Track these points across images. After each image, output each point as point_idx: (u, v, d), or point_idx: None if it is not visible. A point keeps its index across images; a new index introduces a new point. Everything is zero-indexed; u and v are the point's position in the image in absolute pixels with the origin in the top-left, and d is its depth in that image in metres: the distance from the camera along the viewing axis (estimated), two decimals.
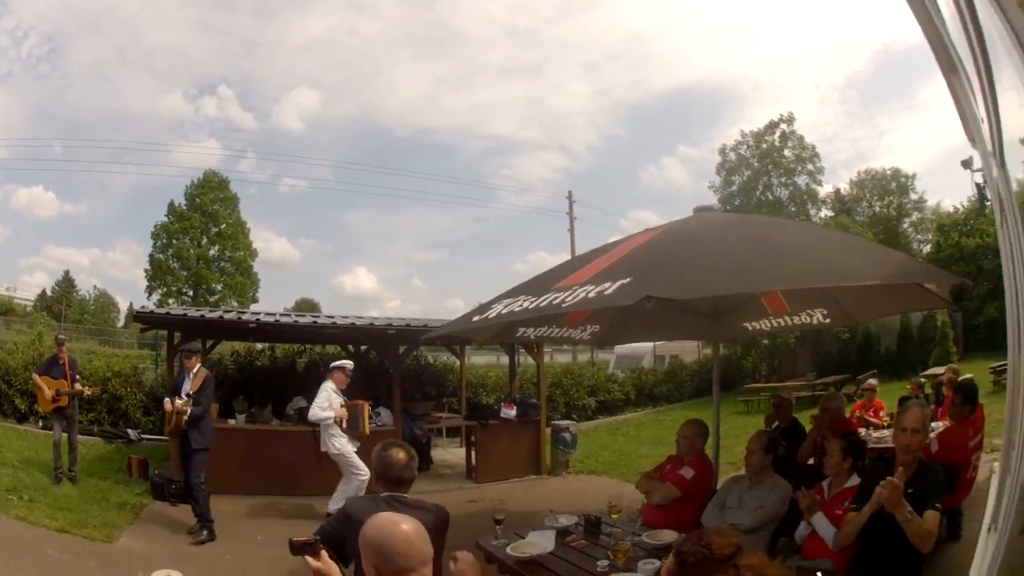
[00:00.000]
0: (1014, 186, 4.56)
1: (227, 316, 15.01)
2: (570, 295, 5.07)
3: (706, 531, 3.09)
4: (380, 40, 67.89)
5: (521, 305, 5.59)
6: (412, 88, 69.22)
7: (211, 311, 16.93)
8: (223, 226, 44.81)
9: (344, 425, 11.02)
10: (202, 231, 44.33)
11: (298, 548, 3.26)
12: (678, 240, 6.05)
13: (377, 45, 69.20)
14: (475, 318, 6.36)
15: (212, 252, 44.78)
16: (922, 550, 4.59)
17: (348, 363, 11.55)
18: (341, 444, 10.90)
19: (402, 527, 3.00)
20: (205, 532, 9.77)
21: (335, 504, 10.35)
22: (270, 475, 12.36)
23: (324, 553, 3.25)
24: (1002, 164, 4.71)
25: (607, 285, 4.79)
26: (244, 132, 61.09)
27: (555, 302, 5.16)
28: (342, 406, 11.10)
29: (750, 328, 9.11)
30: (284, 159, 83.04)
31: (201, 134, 61.10)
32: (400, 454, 4.75)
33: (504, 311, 5.77)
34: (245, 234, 45.87)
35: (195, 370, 10.17)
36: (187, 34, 66.11)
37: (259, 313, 16.54)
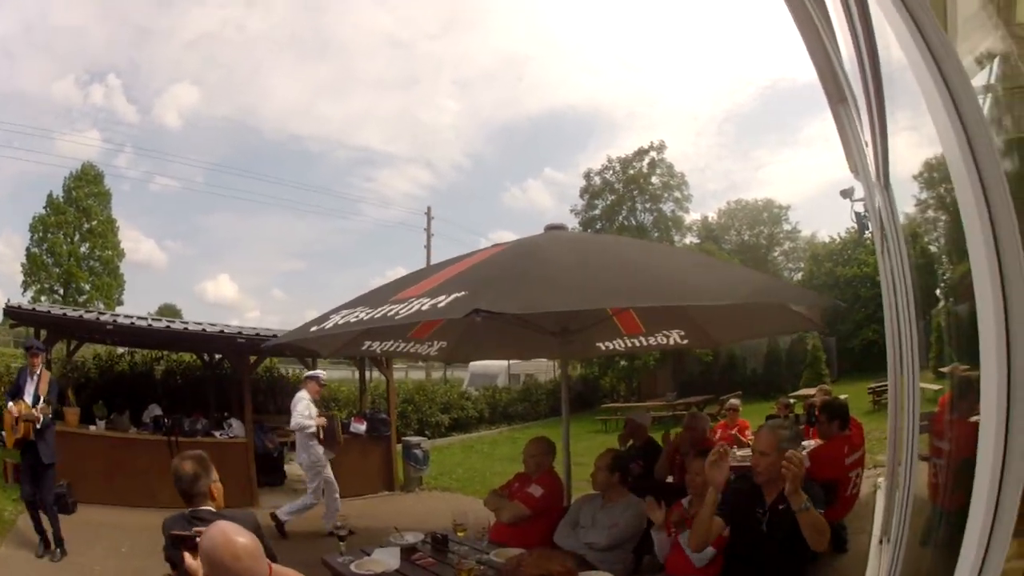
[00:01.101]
0: (900, 217, 4.41)
1: (87, 316, 14.14)
2: (405, 307, 4.88)
3: (542, 554, 3.00)
4: (265, 40, 67.39)
5: (357, 316, 5.33)
6: (289, 92, 68.33)
7: (74, 310, 16.25)
8: (95, 223, 42.85)
9: (322, 435, 11.13)
10: (75, 227, 42.32)
11: (177, 542, 3.63)
12: (521, 256, 5.88)
13: (261, 45, 68.78)
14: (313, 328, 6.05)
15: (83, 249, 42.85)
16: (817, 547, 4.46)
17: (322, 373, 11.78)
18: (317, 455, 11.06)
19: (236, 541, 3.12)
20: (59, 551, 9.09)
21: (284, 513, 10.81)
22: (130, 485, 11.76)
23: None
24: (886, 187, 4.49)
25: (442, 298, 4.63)
26: (125, 125, 58.81)
27: (390, 314, 4.96)
28: (319, 415, 11.22)
29: (603, 348, 9.25)
30: (159, 156, 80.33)
31: (86, 123, 58.74)
32: (186, 466, 4.65)
33: (341, 322, 5.48)
34: (115, 233, 43.80)
35: (39, 371, 9.30)
36: (91, 16, 63.78)
37: (117, 315, 15.95)
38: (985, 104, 2.40)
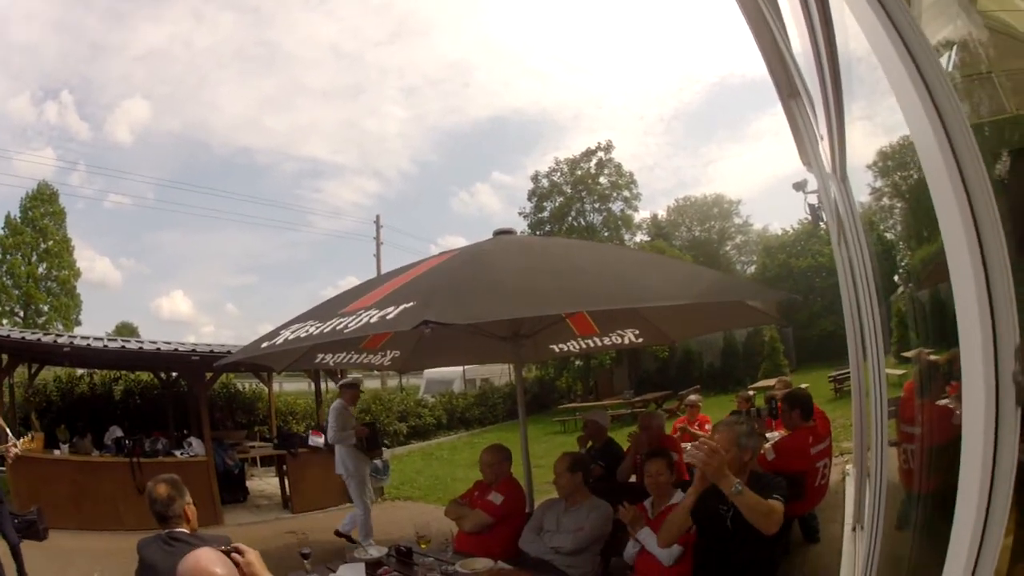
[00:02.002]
0: (856, 206, 4.42)
1: (44, 339, 13.95)
2: (354, 320, 4.79)
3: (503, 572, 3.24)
4: (211, 54, 66.70)
5: (307, 331, 5.25)
6: (236, 106, 67.97)
7: (33, 333, 16.01)
8: (51, 243, 42.18)
9: (365, 445, 11.16)
10: (33, 248, 41.64)
11: None
12: (468, 263, 5.90)
13: (208, 59, 68.04)
14: (263, 344, 5.96)
15: (40, 270, 42.16)
16: (766, 529, 4.41)
17: (358, 378, 11.82)
18: (356, 466, 11.01)
19: (214, 571, 3.09)
20: None
21: (345, 526, 11.02)
22: (96, 509, 11.63)
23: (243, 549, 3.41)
24: (843, 178, 4.50)
25: (390, 309, 4.58)
26: (77, 143, 58.22)
27: (339, 328, 4.86)
28: (356, 425, 11.20)
29: (557, 350, 9.29)
30: (111, 174, 79.37)
31: (41, 142, 57.65)
32: (160, 489, 4.62)
33: (291, 337, 5.40)
34: (70, 252, 43.22)
35: None
36: (46, 32, 62.27)
37: (75, 336, 15.68)
38: None
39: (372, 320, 4.60)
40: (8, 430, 8.85)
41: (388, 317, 4.48)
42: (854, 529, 6.37)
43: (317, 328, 5.16)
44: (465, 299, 4.88)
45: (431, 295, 4.80)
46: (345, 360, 8.83)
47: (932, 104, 1.53)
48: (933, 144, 1.50)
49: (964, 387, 1.52)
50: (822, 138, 4.89)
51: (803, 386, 12.53)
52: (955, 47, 2.42)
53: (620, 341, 8.66)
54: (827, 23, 3.16)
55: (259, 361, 9.43)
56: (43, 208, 40.93)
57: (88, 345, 13.42)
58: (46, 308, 40.63)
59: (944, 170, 1.48)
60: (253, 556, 3.51)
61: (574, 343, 8.97)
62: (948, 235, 1.54)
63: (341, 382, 11.83)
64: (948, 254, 1.55)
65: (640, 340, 8.64)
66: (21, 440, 8.59)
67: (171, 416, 16.20)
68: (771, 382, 19.17)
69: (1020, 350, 1.43)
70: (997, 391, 1.43)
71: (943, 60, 2.40)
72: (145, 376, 18.20)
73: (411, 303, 4.56)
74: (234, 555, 3.45)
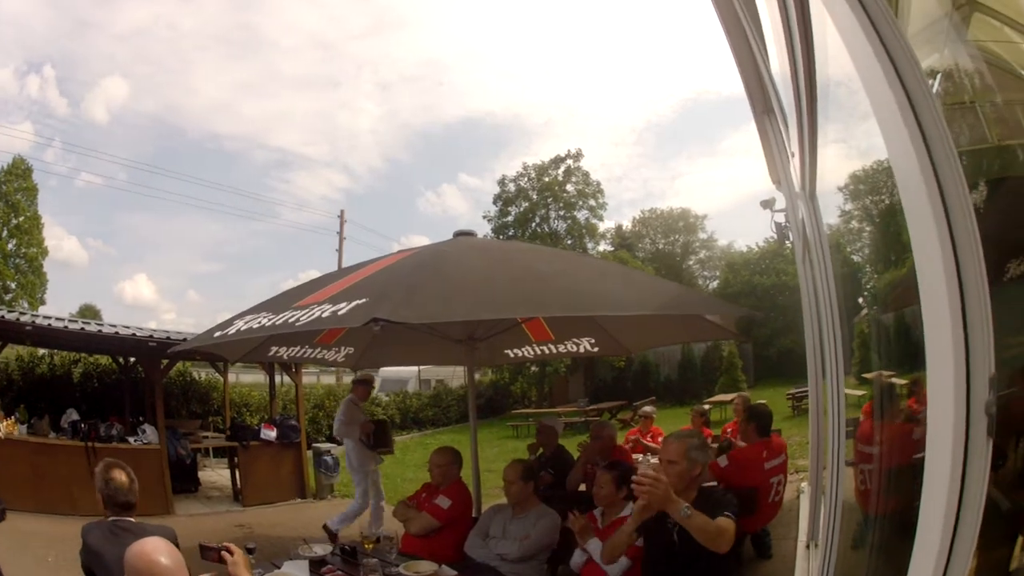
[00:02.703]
0: (824, 225, 4.43)
1: (8, 316, 13.58)
2: (306, 314, 4.87)
3: None
4: (194, 36, 66.09)
5: (260, 322, 5.30)
6: (212, 90, 67.74)
7: None
8: (22, 219, 41.55)
9: (371, 441, 11.02)
10: (3, 223, 41.02)
11: (206, 554, 3.98)
12: (425, 263, 5.89)
13: (190, 41, 67.36)
14: (216, 334, 5.95)
15: (10, 247, 41.50)
16: (717, 549, 4.38)
17: (370, 374, 11.58)
18: (360, 461, 10.97)
19: (159, 560, 3.14)
20: None
21: (335, 524, 10.69)
22: (52, 492, 11.43)
23: (233, 549, 3.81)
24: (811, 197, 4.51)
25: (343, 305, 4.65)
26: (55, 119, 57.67)
27: (291, 320, 4.93)
28: (365, 422, 11.11)
29: (512, 355, 9.43)
30: (84, 152, 78.72)
31: (20, 115, 57.32)
32: (121, 476, 4.68)
33: (244, 327, 5.44)
34: (40, 229, 42.61)
35: None
36: (36, 3, 61.61)
37: (37, 315, 15.41)
38: None
39: (324, 315, 4.65)
40: None
41: (340, 313, 4.54)
42: (808, 546, 6.40)
43: (270, 320, 5.19)
44: (417, 299, 4.89)
45: (384, 293, 4.86)
46: (299, 354, 8.84)
47: (917, 126, 1.51)
48: (915, 167, 1.48)
49: (930, 415, 1.50)
50: (793, 155, 4.91)
51: (761, 403, 12.61)
52: (940, 75, 2.43)
53: (576, 349, 8.76)
54: (808, 43, 3.16)
55: (213, 351, 9.34)
56: (16, 183, 40.28)
57: (50, 325, 13.25)
58: (13, 285, 39.99)
59: (925, 194, 1.46)
60: (240, 557, 3.82)
61: (529, 349, 9.05)
62: (923, 260, 1.52)
63: (354, 377, 11.93)
64: (921, 279, 1.53)
65: (596, 349, 8.72)
66: (5, 423, 8.44)
67: (127, 402, 16.04)
68: (728, 397, 19.33)
69: (994, 380, 1.41)
70: (968, 421, 1.41)
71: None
72: (104, 360, 17.94)
73: (363, 300, 4.60)
74: (224, 553, 3.82)
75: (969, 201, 1.46)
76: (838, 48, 2.11)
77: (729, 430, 11.81)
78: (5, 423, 8.53)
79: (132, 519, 4.60)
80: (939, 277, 1.43)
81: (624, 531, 4.83)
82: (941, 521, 1.44)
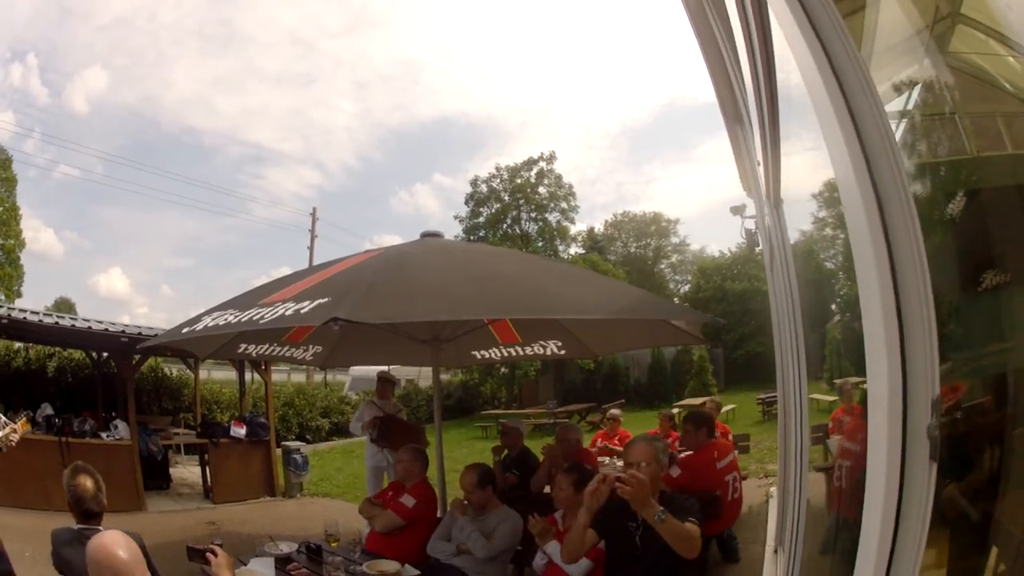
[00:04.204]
0: (790, 236, 4.45)
1: None
2: (270, 312, 4.93)
3: None
4: (172, 29, 65.75)
5: (226, 319, 5.35)
6: (188, 84, 67.04)
7: None
8: (0, 210, 41.28)
9: (375, 436, 10.39)
10: None
11: (194, 555, 4.20)
12: (389, 264, 5.95)
13: (168, 34, 66.84)
14: (184, 330, 6.02)
15: None
16: (687, 554, 4.39)
17: (384, 370, 11.45)
18: (374, 459, 10.71)
19: (117, 553, 3.23)
20: None
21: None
22: (26, 487, 11.33)
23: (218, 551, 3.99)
24: (776, 206, 4.52)
25: (306, 304, 4.74)
26: (36, 109, 56.94)
27: (255, 318, 4.98)
28: (372, 419, 10.49)
29: (479, 356, 9.48)
30: (64, 143, 78.13)
31: (2, 104, 56.71)
32: (88, 483, 4.64)
33: (211, 324, 5.50)
34: (18, 221, 42.31)
35: None
36: None
37: (13, 308, 15.18)
38: (899, 129, 2.41)
39: (287, 313, 4.72)
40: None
41: (302, 311, 4.62)
42: (776, 551, 6.42)
43: (236, 317, 5.22)
44: (378, 299, 4.94)
45: (345, 293, 4.90)
46: (267, 351, 8.84)
47: (858, 141, 1.50)
48: (854, 186, 1.47)
49: (869, 439, 1.49)
50: (759, 164, 4.92)
51: (731, 407, 12.63)
52: (919, 86, 2.43)
53: (543, 352, 8.81)
54: (767, 52, 3.16)
55: (182, 347, 9.35)
56: None
57: (25, 319, 13.13)
58: None
59: (863, 213, 1.45)
60: (223, 559, 3.99)
61: (496, 350, 9.10)
62: (862, 280, 1.50)
63: (378, 372, 11.74)
64: (862, 300, 1.52)
65: (563, 352, 8.75)
66: (20, 421, 8.28)
67: (100, 397, 15.93)
68: (698, 400, 19.33)
69: (938, 402, 1.40)
70: (904, 446, 1.39)
71: (902, 99, 2.41)
72: (78, 354, 17.86)
73: (325, 299, 4.67)
74: (208, 554, 4.00)
75: (915, 220, 1.44)
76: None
77: (669, 440, 11.83)
78: (21, 421, 8.31)
79: (100, 529, 4.49)
80: (875, 299, 1.41)
81: (578, 525, 4.75)
82: (875, 547, 1.43)
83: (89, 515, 4.57)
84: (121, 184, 75.40)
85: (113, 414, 13.69)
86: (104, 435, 12.60)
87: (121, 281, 67.56)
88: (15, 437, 7.99)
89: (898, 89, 2.45)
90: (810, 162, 3.40)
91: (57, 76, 67.72)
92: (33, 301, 40.25)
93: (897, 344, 1.40)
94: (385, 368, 12.08)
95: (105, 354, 16.16)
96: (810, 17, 1.75)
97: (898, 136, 2.23)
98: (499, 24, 78.33)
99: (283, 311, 4.76)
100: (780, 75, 3.24)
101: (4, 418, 7.73)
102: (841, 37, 1.68)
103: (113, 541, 3.29)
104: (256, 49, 70.70)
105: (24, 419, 8.15)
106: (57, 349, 18.09)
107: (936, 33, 2.37)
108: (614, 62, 79.47)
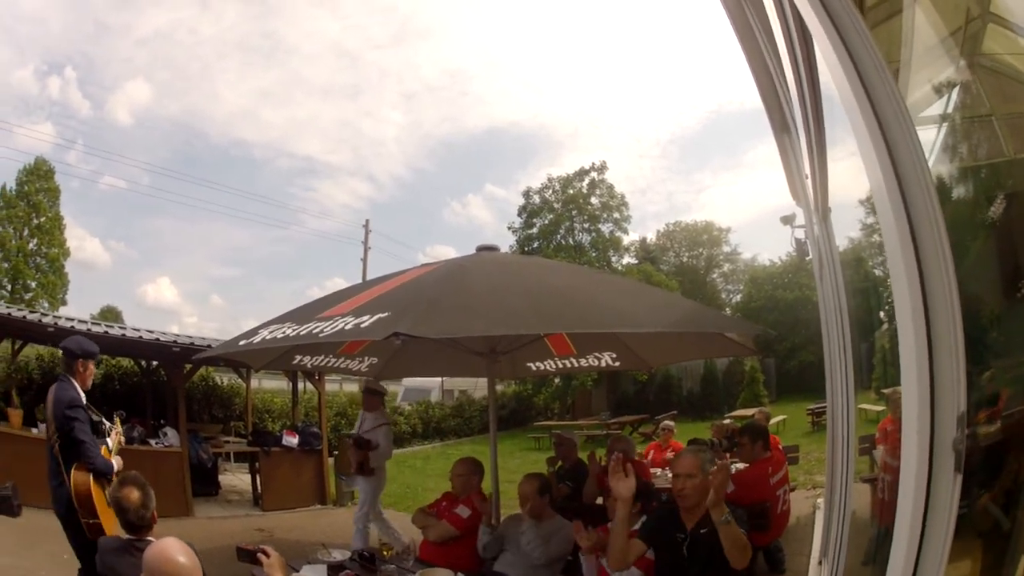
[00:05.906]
0: (839, 243, 4.42)
1: (30, 317, 13.74)
2: (330, 325, 4.93)
3: None
4: (214, 43, 65.99)
5: (284, 332, 5.36)
6: (234, 97, 67.05)
7: (19, 310, 15.73)
8: (43, 219, 41.89)
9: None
10: (25, 222, 41.33)
11: (243, 556, 4.31)
12: (445, 278, 5.96)
13: (211, 48, 67.16)
14: (242, 342, 6.07)
15: (31, 246, 41.86)
16: (737, 565, 4.41)
17: (371, 382, 10.87)
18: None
19: (177, 559, 3.27)
20: None
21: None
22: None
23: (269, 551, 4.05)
24: (824, 219, 4.50)
25: (366, 318, 4.72)
26: (77, 120, 57.52)
27: (315, 331, 5.01)
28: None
29: (534, 368, 9.41)
30: (107, 156, 78.80)
31: (41, 116, 57.15)
32: (133, 495, 4.55)
33: (268, 337, 5.51)
34: (61, 230, 42.87)
35: None
36: (54, 4, 61.82)
37: (59, 317, 15.58)
38: (940, 133, 2.42)
39: (347, 327, 4.73)
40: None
41: (362, 325, 4.60)
42: (820, 563, 6.38)
43: (294, 330, 5.26)
44: (437, 314, 4.92)
45: (405, 307, 4.90)
46: (323, 363, 8.90)
47: (888, 154, 1.51)
48: (886, 202, 1.48)
49: (903, 450, 1.50)
50: (807, 176, 4.89)
51: (780, 418, 12.49)
52: (956, 88, 2.41)
53: (597, 363, 8.72)
54: (811, 62, 3.15)
55: (237, 358, 9.46)
56: (38, 183, 40.37)
57: (72, 328, 13.12)
58: (34, 285, 40.10)
59: (895, 230, 1.46)
60: (276, 560, 4.06)
61: (551, 362, 9.02)
62: (896, 297, 1.51)
63: (365, 382, 11.55)
64: (897, 317, 1.52)
65: (617, 364, 8.66)
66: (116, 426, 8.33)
67: (149, 405, 16.15)
68: (750, 411, 19.15)
69: (963, 418, 1.41)
70: (931, 458, 1.41)
71: (942, 102, 2.40)
72: (126, 362, 18.05)
73: (386, 313, 4.67)
74: (259, 555, 4.07)
75: (945, 240, 1.44)
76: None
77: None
78: (115, 424, 8.31)
79: (152, 540, 4.34)
80: (906, 314, 1.42)
81: (617, 528, 4.80)
82: (903, 555, 1.44)
83: (135, 527, 4.55)
84: (169, 195, 76.29)
85: (162, 421, 13.90)
86: (153, 442, 12.80)
87: (170, 291, 68.05)
88: (120, 438, 8.13)
89: (938, 91, 2.44)
90: (856, 167, 3.40)
91: (97, 89, 68.21)
92: (77, 309, 41.14)
93: (926, 362, 1.42)
94: (381, 379, 11.71)
95: (155, 363, 16.43)
96: (836, 25, 1.78)
97: (939, 140, 2.22)
98: (544, 33, 77.87)
99: (343, 325, 4.80)
100: (823, 79, 3.22)
101: (109, 423, 7.86)
102: (867, 45, 1.69)
103: (172, 547, 3.32)
104: (300, 61, 71.35)
105: (118, 420, 8.26)
106: (104, 356, 18.06)
107: (969, 34, 2.36)
108: (661, 69, 78.58)
